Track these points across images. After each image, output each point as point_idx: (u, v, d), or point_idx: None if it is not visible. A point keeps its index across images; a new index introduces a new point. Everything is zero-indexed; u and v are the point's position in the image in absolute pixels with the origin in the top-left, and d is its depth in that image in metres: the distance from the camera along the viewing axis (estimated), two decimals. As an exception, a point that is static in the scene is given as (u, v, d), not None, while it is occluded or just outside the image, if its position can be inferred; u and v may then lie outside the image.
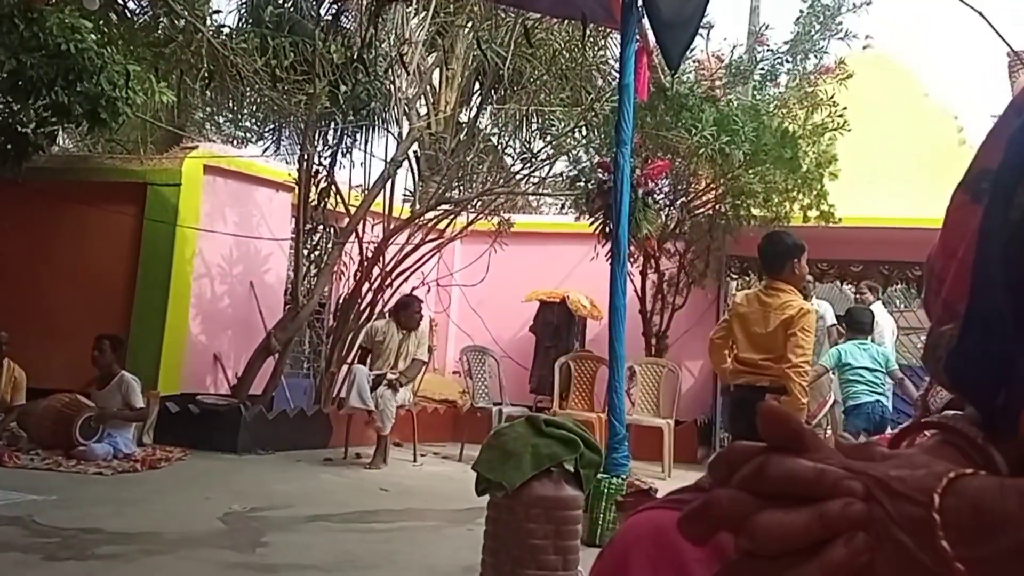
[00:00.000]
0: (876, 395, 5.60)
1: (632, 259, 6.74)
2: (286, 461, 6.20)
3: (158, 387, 6.67)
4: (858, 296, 7.79)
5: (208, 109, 11.37)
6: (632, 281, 6.70)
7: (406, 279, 7.89)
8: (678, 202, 7.74)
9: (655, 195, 6.98)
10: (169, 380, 7.01)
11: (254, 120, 11.11)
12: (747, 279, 8.87)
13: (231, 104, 10.72)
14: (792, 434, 0.45)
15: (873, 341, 6.15)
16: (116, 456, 5.49)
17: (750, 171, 6.98)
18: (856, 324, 6.03)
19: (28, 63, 5.87)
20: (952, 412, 0.64)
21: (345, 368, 7.26)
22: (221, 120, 12.31)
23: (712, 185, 7.47)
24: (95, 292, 7.39)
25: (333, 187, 7.59)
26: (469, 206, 8.21)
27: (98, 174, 7.77)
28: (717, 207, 7.56)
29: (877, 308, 7.56)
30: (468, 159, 8.35)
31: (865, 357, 5.68)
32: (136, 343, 6.95)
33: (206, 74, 7.16)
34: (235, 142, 11.66)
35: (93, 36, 5.97)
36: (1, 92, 6.40)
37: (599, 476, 3.41)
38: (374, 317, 7.43)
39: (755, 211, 7.32)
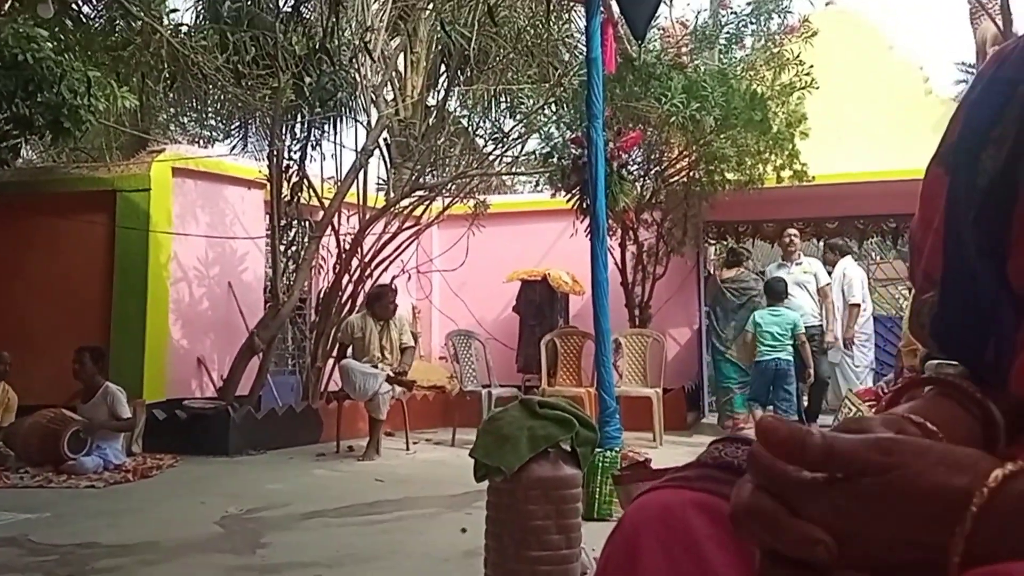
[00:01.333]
0: (775, 354, 6.55)
1: (611, 232, 6.74)
2: (279, 460, 6.17)
3: (143, 395, 6.61)
4: (826, 255, 8.06)
5: (172, 110, 11.21)
6: (612, 254, 6.71)
7: (386, 268, 7.85)
8: (652, 172, 7.73)
9: (629, 167, 6.97)
10: (154, 387, 6.95)
11: (219, 118, 10.98)
12: (724, 243, 8.92)
13: (195, 104, 10.59)
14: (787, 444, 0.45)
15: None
16: (107, 468, 5.44)
17: (721, 136, 6.99)
18: (771, 292, 6.89)
19: (-16, 77, 5.74)
20: (939, 363, 0.65)
21: (331, 363, 7.23)
22: (186, 120, 12.14)
23: (685, 152, 7.47)
24: (72, 304, 7.30)
25: (305, 181, 7.51)
26: (444, 190, 8.17)
27: (65, 184, 7.65)
28: (691, 174, 7.57)
29: (847, 262, 7.78)
30: (439, 143, 8.30)
31: (773, 323, 6.65)
32: (117, 353, 6.88)
33: (167, 75, 7.05)
34: (202, 142, 11.51)
35: (50, 44, 5.84)
36: (-40, 108, 6.26)
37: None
38: (356, 309, 7.40)
39: (729, 175, 7.34)
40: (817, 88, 7.34)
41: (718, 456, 0.74)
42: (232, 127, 10.70)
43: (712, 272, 8.72)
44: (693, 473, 0.73)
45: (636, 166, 7.47)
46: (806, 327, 6.62)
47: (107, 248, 7.36)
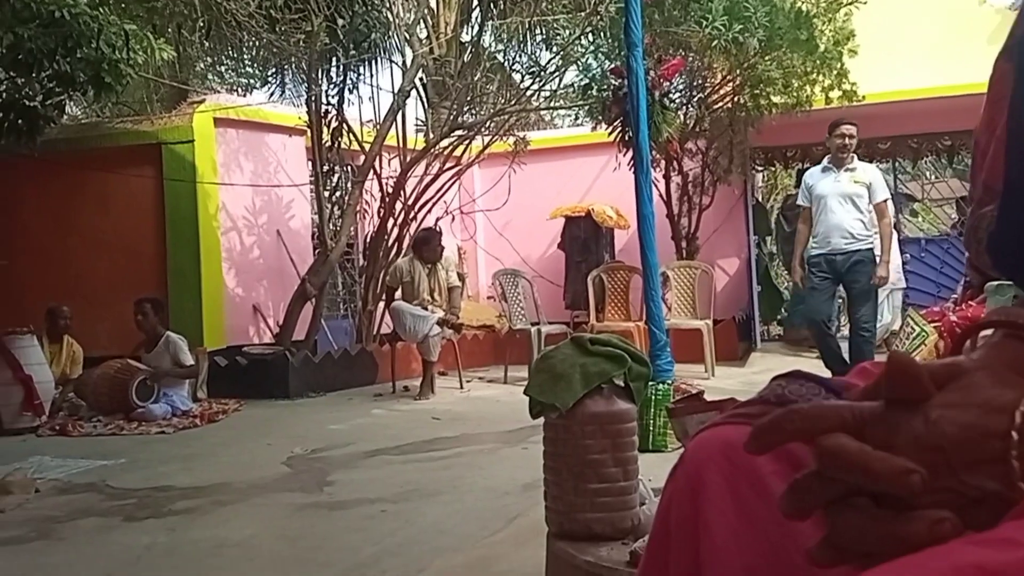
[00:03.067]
0: None
1: (654, 163, 6.64)
2: (338, 401, 6.36)
3: (204, 343, 6.81)
4: None
5: (209, 60, 11.22)
6: (656, 186, 6.62)
7: (429, 210, 7.88)
8: (695, 99, 7.55)
9: (671, 95, 6.82)
10: (213, 335, 7.15)
11: (256, 65, 10.97)
12: (773, 169, 8.74)
13: (231, 52, 10.57)
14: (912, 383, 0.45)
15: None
16: (175, 414, 5.67)
17: (766, 58, 6.78)
18: None
19: (25, 35, 5.80)
20: (999, 284, 0.63)
21: (381, 306, 7.34)
22: (223, 69, 12.16)
23: (729, 77, 7.28)
24: (127, 257, 7.50)
25: (344, 125, 7.52)
26: (483, 129, 8.10)
27: (111, 139, 7.77)
28: (736, 99, 7.38)
29: None
30: (476, 80, 8.19)
31: None
32: (176, 303, 7.08)
33: (202, 24, 7.05)
34: (240, 90, 11.54)
35: (84, -1, 5.86)
36: (3, 68, 6.36)
37: (646, 384, 3.46)
38: (402, 252, 7.46)
39: (775, 99, 7.15)
40: (865, 3, 7.04)
41: (781, 393, 0.73)
42: (269, 74, 10.69)
43: (760, 200, 8.58)
44: (755, 410, 0.72)
45: (678, 94, 7.31)
46: (847, 251, 5.24)
47: (157, 201, 7.50)
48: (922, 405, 0.43)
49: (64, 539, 3.02)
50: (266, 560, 2.74)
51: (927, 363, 0.45)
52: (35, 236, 7.57)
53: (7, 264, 6.92)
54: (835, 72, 7.01)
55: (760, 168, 8.99)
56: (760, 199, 8.73)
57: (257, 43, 8.45)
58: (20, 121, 6.45)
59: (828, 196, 5.31)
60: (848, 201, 5.30)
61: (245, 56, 10.59)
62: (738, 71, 7.06)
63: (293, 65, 8.19)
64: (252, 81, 11.82)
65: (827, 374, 0.77)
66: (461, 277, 7.44)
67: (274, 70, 10.30)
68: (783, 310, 9.10)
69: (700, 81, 7.57)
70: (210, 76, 12.12)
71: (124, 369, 5.73)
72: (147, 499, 3.55)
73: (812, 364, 7.02)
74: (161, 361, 5.88)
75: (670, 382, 4.00)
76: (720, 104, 7.54)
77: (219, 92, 10.13)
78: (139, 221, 7.55)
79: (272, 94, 10.06)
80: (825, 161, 5.54)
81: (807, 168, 8.38)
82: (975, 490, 0.41)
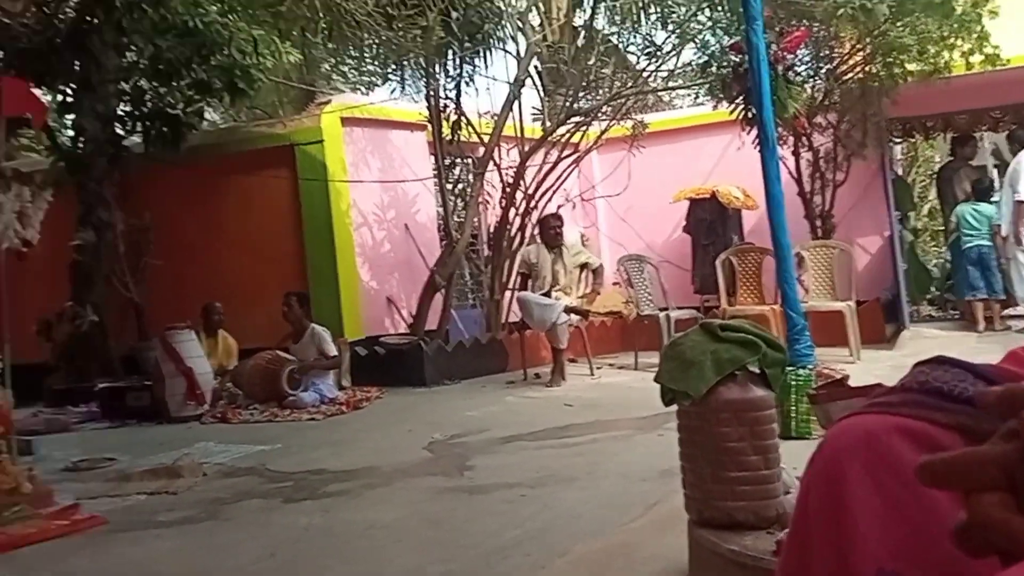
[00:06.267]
0: (977, 241, 7.52)
1: (781, 141, 6.44)
2: (472, 388, 6.54)
3: (344, 334, 7.15)
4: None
5: (332, 60, 11.69)
6: (785, 163, 6.42)
7: (550, 199, 7.93)
8: (823, 71, 7.25)
9: (796, 68, 6.57)
10: (352, 326, 7.49)
11: (376, 63, 11.34)
12: (912, 140, 8.27)
13: (352, 51, 10.97)
14: None
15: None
16: (323, 402, 6.00)
17: (898, 24, 6.44)
18: (975, 191, 7.83)
19: (163, 46, 6.26)
20: None
21: (507, 295, 7.47)
22: (346, 69, 12.62)
23: (858, 46, 6.95)
24: (269, 255, 7.94)
25: (463, 118, 7.67)
26: (600, 114, 8.08)
27: (248, 143, 8.22)
28: (867, 69, 7.03)
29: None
30: (590, 64, 8.17)
31: (972, 216, 7.63)
32: (316, 297, 7.45)
33: (324, 25, 7.37)
34: (362, 88, 11.95)
35: (214, 7, 6.24)
36: (146, 78, 6.86)
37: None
38: (526, 241, 7.57)
39: (910, 66, 6.76)
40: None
41: (924, 380, 0.72)
42: (389, 71, 11.02)
43: (900, 173, 8.19)
44: (896, 398, 0.71)
45: (804, 67, 7.02)
46: None
47: (293, 200, 7.90)
48: None
49: (231, 519, 3.28)
50: (413, 542, 2.88)
51: None
52: (186, 238, 8.13)
53: (163, 264, 7.47)
54: (975, 35, 6.56)
55: (898, 140, 8.52)
56: (900, 172, 8.28)
57: (376, 41, 8.75)
58: (165, 129, 6.96)
59: None
60: None
61: (366, 54, 10.95)
62: (868, 39, 6.73)
63: (411, 61, 8.42)
64: (373, 79, 12.21)
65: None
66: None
67: (393, 67, 10.61)
68: (932, 288, 8.75)
69: (827, 52, 7.26)
70: (334, 76, 12.62)
71: (274, 360, 6.11)
72: (303, 482, 3.79)
73: (969, 344, 6.65)
74: (308, 352, 6.24)
75: (811, 367, 3.90)
76: (850, 75, 7.21)
77: (344, 91, 10.53)
78: (278, 220, 7.98)
79: (393, 91, 10.37)
80: None
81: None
82: None
